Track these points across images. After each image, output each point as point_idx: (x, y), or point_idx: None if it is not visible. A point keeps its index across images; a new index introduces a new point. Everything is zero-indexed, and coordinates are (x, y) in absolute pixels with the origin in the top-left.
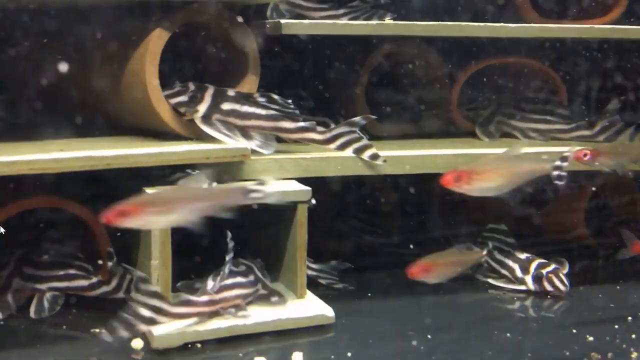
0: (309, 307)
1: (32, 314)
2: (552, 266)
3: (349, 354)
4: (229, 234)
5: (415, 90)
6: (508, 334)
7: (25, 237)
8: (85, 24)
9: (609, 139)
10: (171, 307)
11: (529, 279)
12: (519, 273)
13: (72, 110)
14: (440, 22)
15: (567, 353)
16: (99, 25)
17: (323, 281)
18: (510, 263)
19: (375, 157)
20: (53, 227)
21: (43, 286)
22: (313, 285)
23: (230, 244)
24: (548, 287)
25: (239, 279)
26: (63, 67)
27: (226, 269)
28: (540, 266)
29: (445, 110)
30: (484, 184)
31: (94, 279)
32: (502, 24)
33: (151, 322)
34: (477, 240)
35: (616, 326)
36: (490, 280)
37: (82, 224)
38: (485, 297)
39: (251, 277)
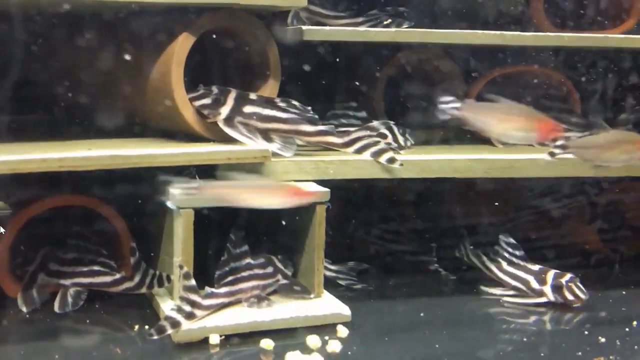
0: (326, 306)
1: (56, 308)
2: (569, 275)
3: (364, 351)
4: (234, 229)
5: (432, 96)
6: (524, 338)
7: (51, 234)
8: (112, 28)
9: None
10: (203, 300)
11: (547, 289)
12: (535, 284)
13: (98, 112)
14: (457, 30)
15: None
16: (125, 29)
17: (342, 282)
18: (523, 275)
19: (392, 160)
20: (78, 225)
21: (67, 282)
22: (331, 285)
23: (232, 237)
24: (569, 297)
25: (256, 271)
26: (90, 70)
27: (227, 260)
28: (558, 276)
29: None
30: None
31: (118, 275)
32: (519, 33)
33: (191, 316)
34: (487, 254)
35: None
36: (504, 297)
37: (106, 222)
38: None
39: (269, 269)
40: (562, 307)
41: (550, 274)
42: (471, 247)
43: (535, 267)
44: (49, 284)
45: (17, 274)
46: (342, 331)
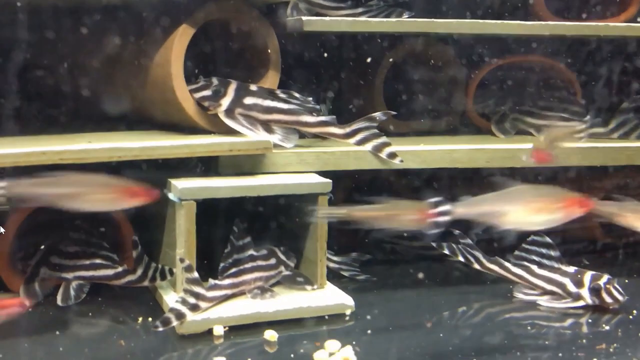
0: (330, 296)
1: (59, 301)
2: (606, 277)
3: (369, 341)
4: (236, 221)
5: (432, 87)
6: (528, 328)
7: (53, 227)
8: (111, 20)
9: (623, 136)
10: (207, 292)
11: (585, 292)
12: (572, 288)
13: (98, 104)
14: (458, 20)
15: None
16: (124, 21)
17: (345, 273)
18: (559, 278)
19: (393, 155)
20: (79, 218)
21: (69, 275)
22: (334, 277)
23: (235, 228)
24: (607, 299)
25: (259, 262)
26: (89, 62)
27: (230, 252)
28: (595, 278)
29: (462, 107)
30: None
31: (120, 268)
32: (519, 22)
33: (195, 308)
34: (513, 254)
35: None
36: (538, 300)
37: (107, 214)
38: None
39: (272, 261)
40: (598, 309)
41: (587, 275)
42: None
43: (571, 269)
44: (51, 278)
45: (19, 268)
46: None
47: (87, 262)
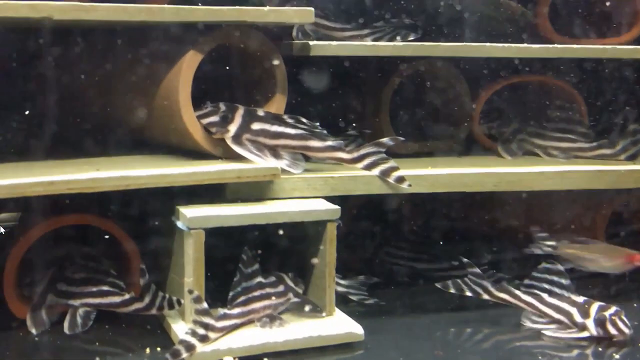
0: (339, 325)
1: (66, 329)
2: (613, 308)
3: None
4: (246, 249)
5: (437, 108)
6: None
7: (59, 254)
8: (118, 45)
9: (630, 158)
10: (216, 322)
11: (590, 323)
12: (578, 318)
13: (105, 129)
14: (463, 44)
15: None
16: (132, 47)
17: (354, 297)
18: (567, 307)
19: (401, 180)
20: (86, 245)
21: (76, 302)
22: (342, 301)
23: (244, 256)
24: (612, 331)
25: (268, 290)
26: (96, 87)
27: (239, 280)
28: (602, 309)
29: (468, 128)
30: None
31: (127, 296)
32: (525, 45)
33: (204, 339)
34: (524, 282)
35: None
36: (545, 330)
37: (115, 242)
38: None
39: (280, 288)
40: (602, 341)
41: (595, 306)
42: (497, 283)
43: (580, 299)
44: (57, 305)
45: (25, 295)
46: None
47: (94, 289)
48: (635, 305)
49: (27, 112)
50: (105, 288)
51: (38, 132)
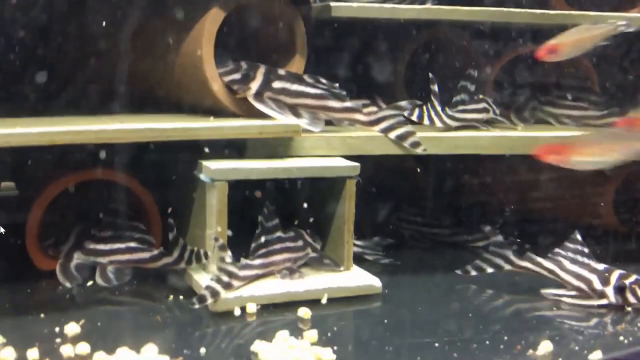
0: (358, 278)
1: (99, 282)
2: (634, 277)
3: (400, 320)
4: (267, 203)
5: (452, 75)
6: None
7: (83, 212)
8: (140, 4)
9: None
10: (239, 271)
11: (609, 290)
12: (597, 285)
13: (126, 87)
14: (482, 8)
15: None
16: (154, 4)
17: (369, 257)
18: (587, 274)
19: (416, 145)
20: (107, 201)
21: (104, 260)
22: (358, 260)
23: (265, 210)
24: (631, 299)
25: (287, 244)
26: (118, 45)
27: (260, 233)
28: (622, 277)
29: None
30: (582, 158)
31: (155, 251)
32: (543, 11)
33: (228, 286)
34: (549, 252)
35: None
36: (561, 295)
37: (133, 197)
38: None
39: (300, 242)
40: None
41: (615, 274)
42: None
43: (601, 267)
44: (86, 262)
45: (49, 253)
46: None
47: (122, 245)
48: None
49: (51, 72)
50: (133, 244)
51: (62, 90)
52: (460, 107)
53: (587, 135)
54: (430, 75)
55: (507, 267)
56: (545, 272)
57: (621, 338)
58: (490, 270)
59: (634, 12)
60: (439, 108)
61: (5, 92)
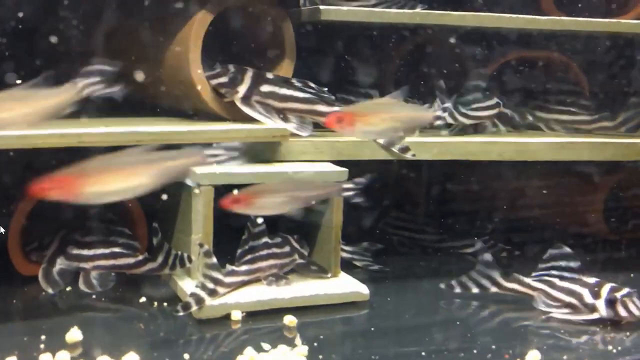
0: (345, 285)
1: (82, 287)
2: (626, 290)
3: (387, 328)
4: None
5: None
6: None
7: (67, 217)
8: (128, 5)
9: (630, 130)
10: (224, 278)
11: (600, 304)
12: (588, 299)
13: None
14: (471, 13)
15: None
16: (142, 7)
17: (358, 263)
18: (578, 289)
19: (405, 150)
20: (92, 207)
21: (88, 265)
22: (347, 267)
23: (252, 217)
24: (622, 313)
25: (274, 250)
26: (104, 47)
27: (247, 239)
28: (613, 290)
29: None
30: (367, 127)
31: (140, 257)
32: (535, 17)
33: (213, 293)
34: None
35: None
36: (554, 313)
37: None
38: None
39: (286, 248)
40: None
41: (606, 287)
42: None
43: (591, 280)
44: (69, 267)
45: (32, 259)
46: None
47: (106, 251)
48: None
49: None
50: (117, 250)
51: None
52: (474, 105)
53: (370, 104)
54: (438, 78)
55: (494, 289)
56: (535, 293)
57: (610, 347)
58: (475, 290)
59: (625, 18)
60: (449, 105)
61: None
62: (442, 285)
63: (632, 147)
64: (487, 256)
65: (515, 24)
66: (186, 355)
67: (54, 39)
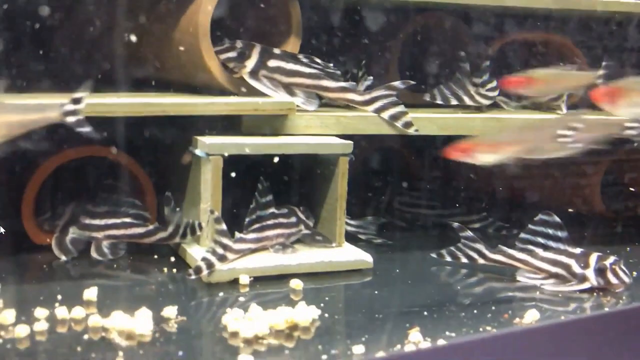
0: (349, 253)
1: (94, 256)
2: (612, 258)
3: (390, 292)
4: (261, 179)
5: (442, 61)
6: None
7: (79, 188)
8: None
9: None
10: (234, 244)
11: (590, 273)
12: (577, 269)
13: (121, 65)
14: None
15: None
16: None
17: (362, 236)
18: (565, 259)
19: (408, 125)
20: (101, 177)
21: (99, 235)
22: (351, 240)
23: (260, 186)
24: (613, 280)
25: (280, 220)
26: (113, 23)
27: (254, 208)
28: (601, 259)
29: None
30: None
31: (151, 226)
32: None
33: (223, 259)
34: (519, 236)
35: None
36: (542, 283)
37: (128, 173)
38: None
39: (293, 219)
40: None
41: (594, 256)
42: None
43: (577, 251)
44: (81, 237)
45: (45, 228)
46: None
47: (117, 221)
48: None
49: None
50: (128, 220)
51: (59, 67)
52: (489, 86)
53: (490, 135)
54: (462, 53)
55: (481, 260)
56: (519, 264)
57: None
58: (464, 260)
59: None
60: (470, 87)
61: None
62: (434, 255)
63: None
64: (468, 233)
65: (523, 2)
66: (197, 314)
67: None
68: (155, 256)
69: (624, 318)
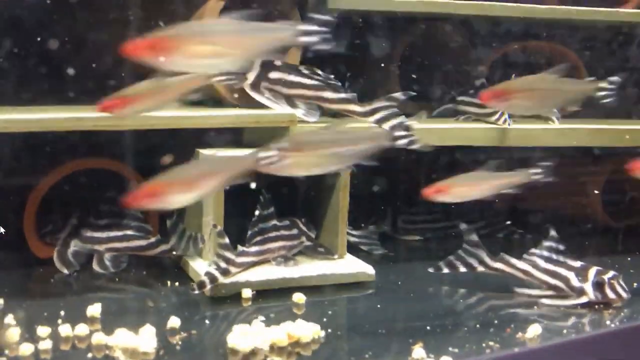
0: (351, 265)
1: (96, 269)
2: (611, 272)
3: (392, 305)
4: (263, 191)
5: (441, 71)
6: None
7: (81, 200)
8: None
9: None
10: (236, 258)
11: (588, 286)
12: (575, 282)
13: (121, 76)
14: (474, 2)
15: None
16: None
17: (365, 247)
18: (563, 272)
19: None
20: (104, 189)
21: (101, 247)
22: (353, 250)
23: (261, 198)
24: (610, 295)
25: (283, 232)
26: (115, 34)
27: (257, 221)
28: (600, 273)
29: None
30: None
31: (153, 239)
32: (535, 5)
33: (226, 272)
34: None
35: None
36: (537, 296)
37: (129, 184)
38: None
39: (294, 231)
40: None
41: (592, 270)
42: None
43: (577, 264)
44: (83, 250)
45: (47, 241)
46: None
47: (119, 233)
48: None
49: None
50: (130, 232)
51: (57, 79)
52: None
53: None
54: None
55: (481, 268)
56: (519, 274)
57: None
58: (463, 269)
59: (626, 7)
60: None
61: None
62: (431, 269)
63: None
64: (473, 237)
65: (518, 12)
66: (200, 329)
67: None
68: (157, 269)
69: (623, 336)
